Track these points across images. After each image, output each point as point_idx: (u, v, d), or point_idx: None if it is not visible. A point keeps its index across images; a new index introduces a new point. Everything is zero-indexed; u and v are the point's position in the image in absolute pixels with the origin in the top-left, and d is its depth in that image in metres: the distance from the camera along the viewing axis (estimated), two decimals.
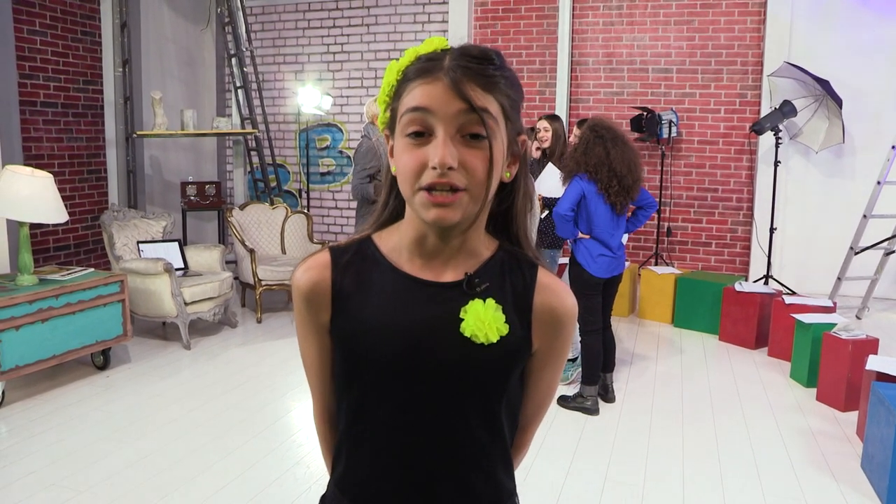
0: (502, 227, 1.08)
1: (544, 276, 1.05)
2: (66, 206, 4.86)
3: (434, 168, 0.90)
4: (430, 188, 0.91)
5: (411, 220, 1.00)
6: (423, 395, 1.00)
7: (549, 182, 4.41)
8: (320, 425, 1.18)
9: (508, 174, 1.01)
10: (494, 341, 0.97)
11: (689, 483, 3.20)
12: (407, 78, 0.96)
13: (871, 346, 4.06)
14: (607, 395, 4.13)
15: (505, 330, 0.97)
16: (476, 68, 0.92)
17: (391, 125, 1.00)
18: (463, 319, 0.97)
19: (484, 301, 0.98)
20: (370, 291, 1.02)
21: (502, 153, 0.96)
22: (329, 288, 1.04)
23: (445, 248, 1.00)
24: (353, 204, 8.15)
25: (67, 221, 4.81)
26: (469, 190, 0.92)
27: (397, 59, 0.99)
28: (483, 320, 0.96)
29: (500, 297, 1.00)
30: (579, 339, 4.10)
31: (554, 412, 3.97)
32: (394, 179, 1.04)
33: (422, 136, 0.92)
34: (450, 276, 1.01)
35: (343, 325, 1.03)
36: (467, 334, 0.96)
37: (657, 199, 6.71)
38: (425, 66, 0.94)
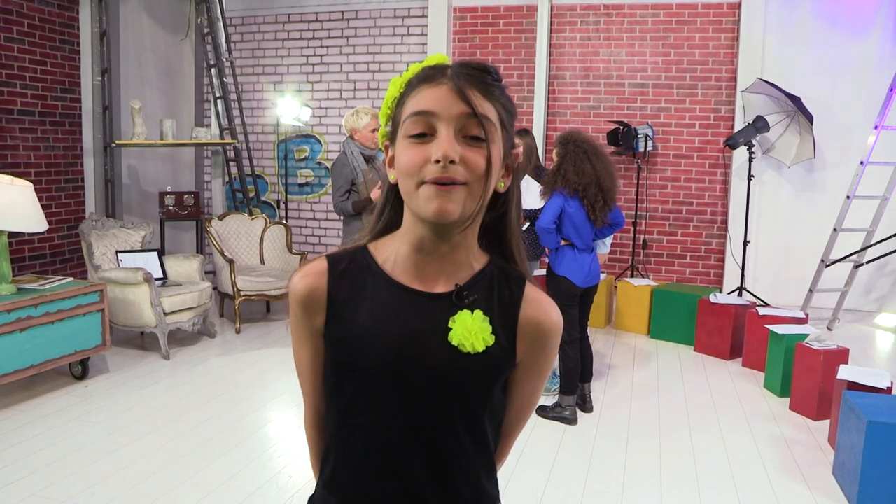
0: (495, 241, 1.12)
1: (531, 291, 1.09)
2: None
3: (437, 161, 0.95)
4: (433, 182, 0.96)
5: (408, 227, 1.04)
6: (410, 400, 1.03)
7: (527, 195, 4.47)
8: (310, 430, 1.21)
9: (503, 184, 1.06)
10: (480, 351, 1.01)
11: (666, 491, 3.26)
12: (410, 86, 1.02)
13: (842, 356, 4.16)
14: (585, 405, 4.18)
15: (491, 340, 1.02)
16: (477, 76, 0.99)
17: (392, 134, 1.05)
18: (451, 329, 1.01)
19: (472, 312, 1.02)
20: (363, 299, 1.06)
21: (499, 159, 1.01)
22: (325, 294, 1.08)
23: (440, 253, 1.03)
24: (332, 215, 8.16)
25: (45, 230, 4.78)
26: (469, 185, 0.97)
27: (400, 74, 1.06)
28: (470, 330, 1.01)
29: (488, 309, 1.04)
30: (558, 350, 4.14)
31: (533, 421, 4.02)
32: (390, 191, 1.09)
33: (424, 136, 0.97)
34: (441, 287, 1.05)
35: (336, 331, 1.07)
36: (454, 343, 1.01)
37: (634, 212, 6.86)
38: (429, 74, 1.00)
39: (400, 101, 1.04)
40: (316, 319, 1.09)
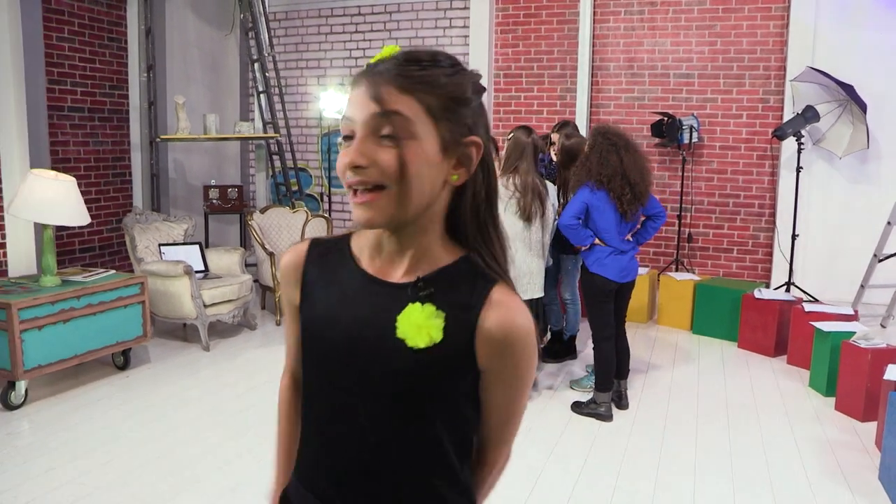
0: (464, 235, 1.06)
1: (498, 293, 1.00)
2: (90, 208, 4.96)
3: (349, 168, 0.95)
4: (351, 188, 0.96)
5: None
6: (356, 391, 1.03)
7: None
8: (285, 386, 1.29)
9: (456, 177, 0.99)
10: (421, 346, 0.96)
11: (700, 492, 3.18)
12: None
13: (890, 355, 4.00)
14: (621, 402, 4.11)
15: (438, 337, 0.96)
16: (397, 70, 0.95)
17: None
18: (397, 322, 0.99)
19: (423, 305, 0.97)
20: (331, 283, 1.08)
21: (425, 153, 0.95)
22: (301, 274, 1.12)
23: (398, 249, 1.02)
24: None
25: (92, 224, 4.91)
26: (388, 188, 0.94)
27: None
28: (415, 324, 0.96)
29: (444, 305, 0.98)
30: (593, 346, 4.10)
31: (567, 418, 3.97)
32: None
33: (351, 139, 0.97)
34: (403, 277, 1.02)
35: (305, 311, 1.11)
36: (399, 336, 0.97)
37: (679, 204, 6.72)
38: (357, 75, 0.99)
39: None
40: (293, 295, 1.13)
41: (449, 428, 1.04)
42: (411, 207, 0.96)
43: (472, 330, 0.98)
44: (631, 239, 4.01)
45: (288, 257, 1.15)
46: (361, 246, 1.08)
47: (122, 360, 4.57)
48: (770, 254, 6.79)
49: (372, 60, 1.00)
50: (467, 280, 1.01)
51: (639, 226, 4.06)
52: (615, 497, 3.12)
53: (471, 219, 1.03)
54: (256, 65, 6.98)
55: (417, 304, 0.97)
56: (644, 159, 3.89)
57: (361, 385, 1.02)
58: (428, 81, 0.95)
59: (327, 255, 1.11)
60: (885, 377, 3.59)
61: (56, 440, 3.56)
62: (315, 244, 1.14)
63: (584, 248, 4.00)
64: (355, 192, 0.96)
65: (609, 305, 3.98)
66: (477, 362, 1.00)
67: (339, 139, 1.07)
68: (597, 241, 3.94)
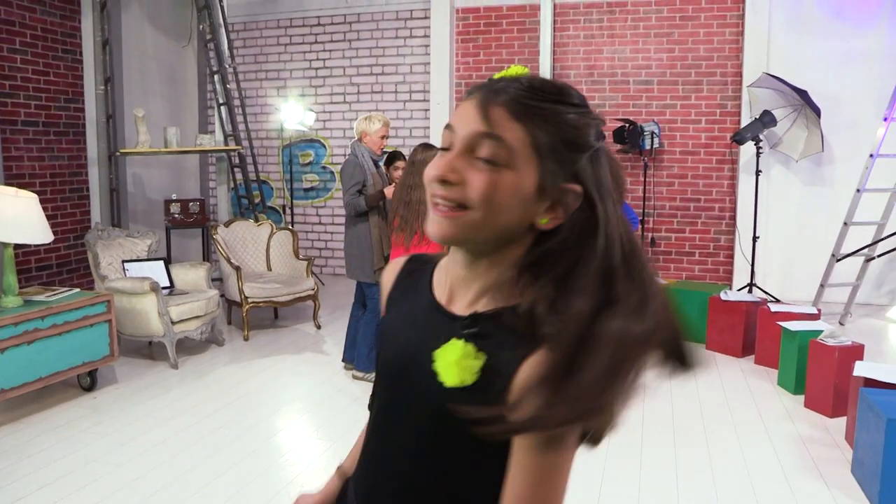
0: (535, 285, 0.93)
1: (541, 355, 0.85)
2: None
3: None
4: (434, 200, 0.91)
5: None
6: (395, 411, 1.02)
7: None
8: None
9: (545, 220, 0.90)
10: (449, 385, 0.89)
11: (683, 491, 3.21)
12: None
13: (857, 352, 4.11)
14: None
15: (469, 380, 0.88)
16: (516, 94, 0.88)
17: None
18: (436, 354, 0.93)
19: (465, 343, 0.90)
20: (405, 302, 1.07)
21: (518, 187, 0.87)
22: (390, 287, 1.13)
23: (466, 277, 0.97)
24: (338, 219, 8.14)
25: (50, 241, 4.77)
26: (471, 210, 0.88)
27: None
28: (450, 361, 0.89)
29: (490, 349, 0.89)
30: None
31: None
32: None
33: (447, 151, 0.92)
34: (465, 309, 0.96)
35: (382, 323, 1.13)
36: (434, 368, 0.91)
37: (640, 210, 6.82)
38: (475, 86, 0.93)
39: None
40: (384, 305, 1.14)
41: (471, 478, 0.95)
42: (489, 236, 0.90)
43: (506, 384, 0.87)
44: None
45: (388, 268, 1.16)
46: (440, 268, 1.06)
47: (89, 381, 4.43)
48: (731, 256, 6.94)
49: (496, 76, 0.93)
50: (519, 331, 0.89)
51: None
52: (601, 501, 3.13)
53: (552, 266, 0.90)
54: (216, 76, 6.88)
55: (460, 342, 0.90)
56: (618, 166, 3.93)
57: (400, 409, 1.01)
58: (545, 116, 0.88)
59: (413, 274, 1.10)
60: (855, 373, 3.68)
61: (24, 468, 3.43)
62: (411, 260, 1.13)
63: None
64: (436, 204, 0.91)
65: None
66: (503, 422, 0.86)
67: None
68: None
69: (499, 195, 0.87)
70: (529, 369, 0.85)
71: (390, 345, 1.05)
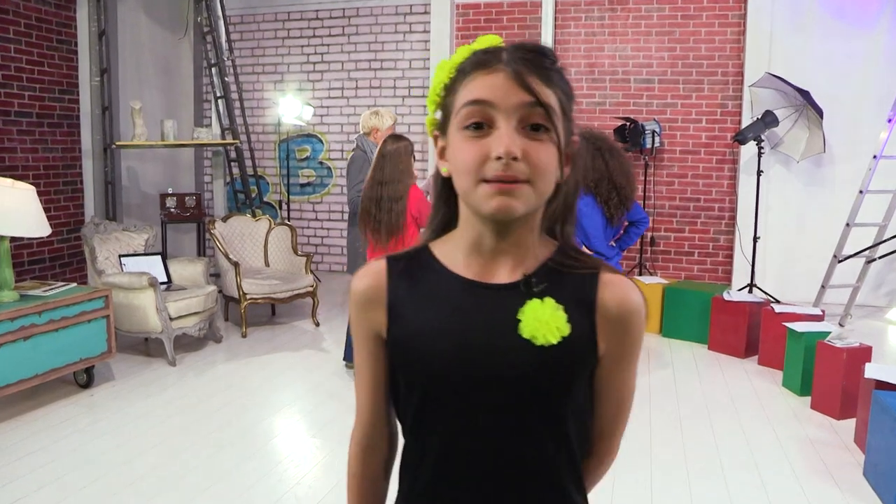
0: (555, 231, 1.04)
1: (607, 273, 0.99)
2: None
3: (498, 158, 0.88)
4: (494, 180, 0.89)
5: (466, 223, 0.98)
6: (481, 402, 0.96)
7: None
8: (355, 452, 1.13)
9: (561, 175, 0.98)
10: (554, 342, 0.92)
11: (696, 494, 3.17)
12: (463, 72, 0.94)
13: (864, 353, 4.08)
14: None
15: (566, 330, 0.92)
16: (535, 60, 0.92)
17: (442, 125, 0.98)
18: (521, 321, 0.93)
19: (542, 301, 0.93)
20: (425, 296, 1.00)
21: (555, 150, 0.93)
22: (385, 294, 1.03)
23: (501, 248, 0.97)
24: (335, 215, 8.06)
25: (47, 234, 4.67)
26: (533, 182, 0.90)
27: (447, 59, 0.99)
28: (541, 320, 0.92)
29: (561, 297, 0.94)
30: None
31: None
32: (443, 186, 1.03)
33: (481, 128, 0.90)
34: (506, 277, 0.97)
35: (399, 332, 1.01)
36: (526, 336, 0.92)
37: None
38: (483, 59, 0.93)
39: (451, 87, 0.96)
40: (375, 320, 1.03)
41: (575, 424, 1.00)
42: (541, 202, 0.95)
43: (593, 315, 0.97)
44: (615, 245, 4.02)
45: (364, 281, 1.05)
46: (448, 252, 1.02)
47: (86, 378, 4.34)
48: (731, 256, 6.92)
49: (476, 47, 0.95)
50: (573, 268, 0.99)
51: (622, 232, 4.07)
52: None
53: (564, 212, 1.03)
54: (214, 69, 6.78)
55: (537, 301, 0.93)
56: (629, 163, 3.90)
57: (488, 396, 0.95)
58: (561, 77, 0.94)
59: (411, 269, 1.03)
60: (866, 376, 3.65)
61: (21, 467, 3.34)
62: (393, 260, 1.05)
63: None
64: (499, 181, 0.89)
65: None
66: (597, 348, 0.98)
67: (435, 132, 1.01)
68: (583, 248, 3.93)
69: (552, 162, 0.92)
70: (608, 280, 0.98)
71: (438, 342, 0.97)
